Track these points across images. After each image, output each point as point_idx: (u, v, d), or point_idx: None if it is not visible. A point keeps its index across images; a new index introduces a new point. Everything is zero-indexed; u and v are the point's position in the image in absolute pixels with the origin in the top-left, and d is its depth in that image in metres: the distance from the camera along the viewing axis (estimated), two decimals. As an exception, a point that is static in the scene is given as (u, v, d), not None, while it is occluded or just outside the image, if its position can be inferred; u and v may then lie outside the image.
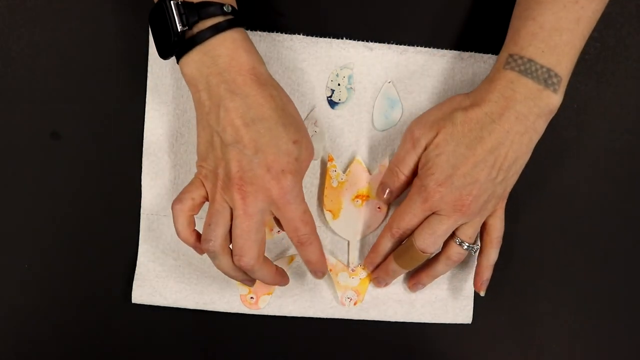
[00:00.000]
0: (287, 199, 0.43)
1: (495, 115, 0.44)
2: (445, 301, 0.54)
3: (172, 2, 0.42)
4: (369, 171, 0.52)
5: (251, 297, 0.52)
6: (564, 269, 0.55)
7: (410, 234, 0.48)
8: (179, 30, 0.42)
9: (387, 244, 0.50)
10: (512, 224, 0.50)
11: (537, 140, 0.46)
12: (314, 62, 0.52)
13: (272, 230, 0.52)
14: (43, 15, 0.51)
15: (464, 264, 0.54)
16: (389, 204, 0.53)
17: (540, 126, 0.45)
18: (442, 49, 0.53)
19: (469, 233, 0.48)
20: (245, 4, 0.46)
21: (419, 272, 0.51)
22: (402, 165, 0.48)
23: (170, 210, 0.45)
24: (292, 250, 0.52)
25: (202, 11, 0.42)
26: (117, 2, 0.51)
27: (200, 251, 0.46)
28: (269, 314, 0.52)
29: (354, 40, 0.52)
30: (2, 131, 0.51)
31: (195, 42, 0.42)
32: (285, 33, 0.52)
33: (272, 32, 0.52)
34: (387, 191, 0.50)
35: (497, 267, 0.50)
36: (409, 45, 0.52)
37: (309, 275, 0.52)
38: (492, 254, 0.50)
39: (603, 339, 0.56)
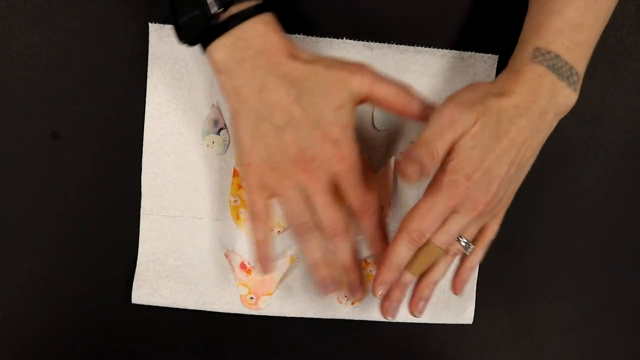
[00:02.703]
0: (347, 165, 0.43)
1: (522, 108, 0.42)
2: (447, 302, 0.54)
3: None
4: (374, 171, 0.52)
5: (251, 298, 0.52)
6: (564, 269, 0.55)
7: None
8: (214, 12, 0.41)
9: (404, 252, 0.44)
10: (512, 224, 0.50)
11: (545, 139, 0.44)
12: (314, 62, 0.52)
13: (272, 230, 0.52)
14: (43, 15, 0.51)
15: (464, 264, 0.54)
16: (390, 204, 0.52)
17: (554, 124, 0.44)
18: (442, 48, 0.53)
19: (471, 231, 0.46)
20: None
21: (416, 287, 0.48)
22: (440, 143, 0.42)
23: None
24: (292, 251, 0.52)
25: None
26: (117, 2, 0.51)
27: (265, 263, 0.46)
28: (268, 314, 0.52)
29: (354, 40, 0.52)
30: (2, 131, 0.51)
31: (228, 26, 0.41)
32: (286, 33, 0.52)
33: (272, 32, 0.52)
34: (420, 170, 0.42)
35: (497, 267, 0.50)
36: (409, 45, 0.52)
37: (309, 276, 0.52)
38: (480, 256, 0.48)
39: (603, 338, 0.56)
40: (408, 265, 0.45)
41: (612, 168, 0.55)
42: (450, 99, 0.44)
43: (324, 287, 0.45)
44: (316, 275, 0.45)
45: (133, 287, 0.51)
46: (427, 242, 0.44)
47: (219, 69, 0.42)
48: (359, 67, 0.44)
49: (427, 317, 0.53)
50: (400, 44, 0.52)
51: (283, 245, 0.52)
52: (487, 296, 0.53)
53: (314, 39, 0.52)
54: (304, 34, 0.52)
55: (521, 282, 0.55)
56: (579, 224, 0.55)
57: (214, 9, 0.41)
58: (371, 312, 0.53)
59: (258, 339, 0.53)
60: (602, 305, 0.56)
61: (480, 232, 0.47)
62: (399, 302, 0.47)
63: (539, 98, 0.43)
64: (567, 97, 0.43)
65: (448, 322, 0.54)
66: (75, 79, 0.51)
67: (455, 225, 0.44)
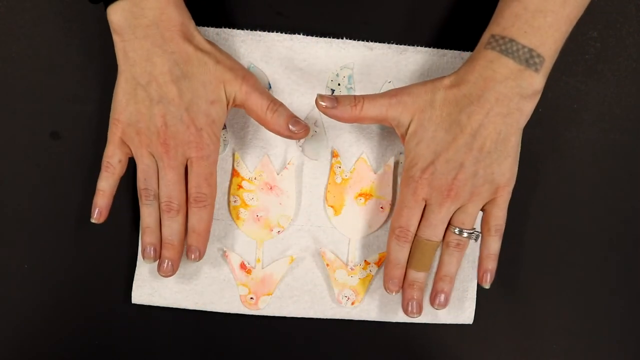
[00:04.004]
0: (202, 154, 0.46)
1: (474, 96, 0.44)
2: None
3: None
4: (374, 170, 0.52)
5: (251, 298, 0.52)
6: (564, 269, 0.55)
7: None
8: None
9: (396, 250, 0.48)
10: (512, 223, 0.50)
11: (525, 122, 0.45)
12: (314, 62, 0.52)
13: (271, 230, 0.52)
14: (43, 15, 0.51)
15: (464, 265, 0.53)
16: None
17: (527, 107, 0.45)
18: (441, 48, 0.53)
19: (460, 219, 0.47)
20: (246, 4, 0.46)
21: (433, 282, 0.50)
22: (369, 103, 0.46)
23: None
24: (292, 251, 0.52)
25: None
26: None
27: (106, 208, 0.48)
28: (268, 314, 0.52)
29: (354, 40, 0.52)
30: (2, 131, 0.51)
31: None
32: (285, 33, 0.52)
33: (272, 32, 0.52)
34: (332, 104, 0.46)
35: (497, 267, 0.50)
36: (408, 45, 0.52)
37: (309, 276, 0.52)
38: (490, 243, 0.48)
39: (603, 339, 0.56)
40: (409, 263, 0.48)
41: (612, 168, 0.55)
42: (399, 92, 0.47)
43: (144, 251, 0.48)
44: (142, 239, 0.48)
45: (133, 287, 0.51)
46: (418, 238, 0.47)
47: (114, 30, 0.45)
48: (244, 76, 0.47)
49: (427, 317, 0.53)
50: (400, 44, 0.52)
51: (283, 245, 0.52)
52: (487, 296, 0.53)
53: (314, 39, 0.52)
54: (304, 34, 0.52)
55: (521, 282, 0.55)
56: (579, 224, 0.55)
57: None
58: (371, 312, 0.53)
59: (258, 339, 0.53)
60: (602, 306, 0.56)
61: (484, 219, 0.48)
62: (415, 299, 0.49)
63: (492, 84, 0.44)
64: (529, 78, 0.44)
65: (448, 322, 0.54)
66: (75, 79, 0.51)
67: (433, 216, 0.46)
